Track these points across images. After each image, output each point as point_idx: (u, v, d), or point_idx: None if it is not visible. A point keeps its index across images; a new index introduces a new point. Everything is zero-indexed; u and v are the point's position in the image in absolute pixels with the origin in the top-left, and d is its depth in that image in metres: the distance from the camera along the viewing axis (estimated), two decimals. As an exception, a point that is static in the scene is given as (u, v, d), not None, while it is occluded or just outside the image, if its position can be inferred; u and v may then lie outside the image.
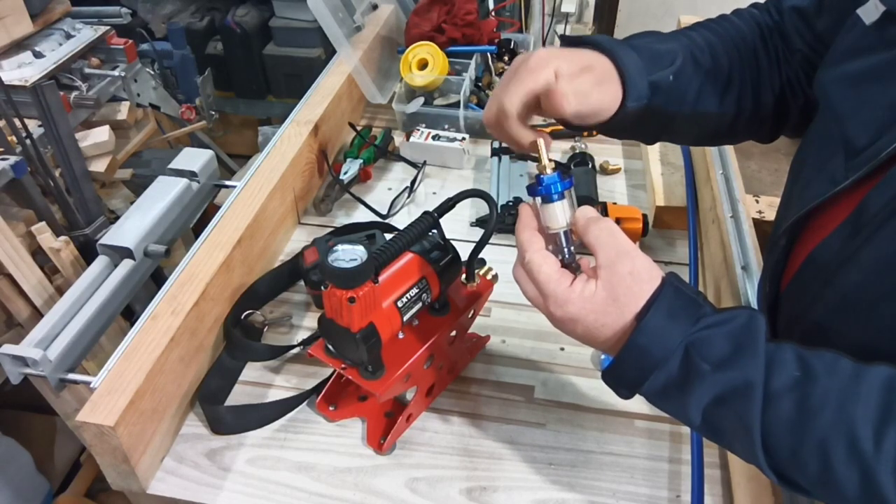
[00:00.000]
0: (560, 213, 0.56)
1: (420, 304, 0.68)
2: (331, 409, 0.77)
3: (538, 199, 0.57)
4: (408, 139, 1.16)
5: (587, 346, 0.83)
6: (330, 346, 0.68)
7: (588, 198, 1.01)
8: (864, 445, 0.43)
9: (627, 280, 0.51)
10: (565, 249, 0.57)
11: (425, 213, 0.67)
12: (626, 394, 0.53)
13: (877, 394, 0.44)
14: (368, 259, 0.60)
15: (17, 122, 1.09)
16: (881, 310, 0.49)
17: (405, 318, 0.67)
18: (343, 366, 0.67)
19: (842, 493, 0.44)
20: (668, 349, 0.49)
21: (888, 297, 0.49)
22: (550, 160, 0.57)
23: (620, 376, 0.52)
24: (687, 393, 0.49)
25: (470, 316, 0.76)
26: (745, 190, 0.94)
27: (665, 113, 0.64)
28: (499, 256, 0.90)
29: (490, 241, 0.69)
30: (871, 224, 0.49)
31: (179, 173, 1.03)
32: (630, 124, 0.62)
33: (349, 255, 0.60)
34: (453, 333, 0.75)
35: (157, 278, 1.02)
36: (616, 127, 0.62)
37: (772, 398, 0.46)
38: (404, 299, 0.66)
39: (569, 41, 0.64)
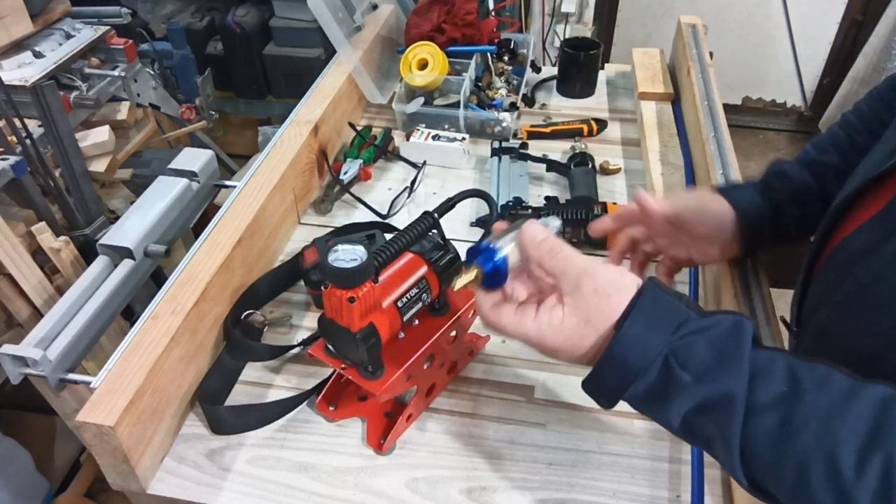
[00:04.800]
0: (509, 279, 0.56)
1: (420, 304, 0.68)
2: (331, 409, 0.77)
3: None
4: (408, 139, 1.16)
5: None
6: (330, 346, 0.68)
7: (588, 197, 1.01)
8: (845, 470, 0.41)
9: (594, 299, 0.50)
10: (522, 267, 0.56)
11: (425, 213, 0.67)
12: (606, 404, 0.52)
13: (867, 416, 0.42)
14: (368, 259, 0.60)
15: (17, 122, 1.08)
16: (894, 308, 0.49)
17: (405, 318, 0.67)
18: (343, 366, 0.67)
19: None
20: (647, 358, 0.47)
21: None
22: (471, 270, 0.56)
23: (600, 386, 0.51)
24: (667, 401, 0.48)
25: (470, 316, 0.76)
26: (745, 190, 0.94)
27: (797, 217, 0.72)
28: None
29: None
30: None
31: (179, 173, 1.03)
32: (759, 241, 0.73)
33: (349, 255, 0.60)
34: (453, 333, 0.75)
35: (157, 278, 1.02)
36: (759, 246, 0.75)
37: (754, 412, 0.45)
38: (404, 299, 0.66)
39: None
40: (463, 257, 0.71)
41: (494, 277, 0.55)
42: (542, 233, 0.54)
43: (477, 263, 0.55)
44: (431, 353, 0.71)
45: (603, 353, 0.49)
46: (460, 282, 0.55)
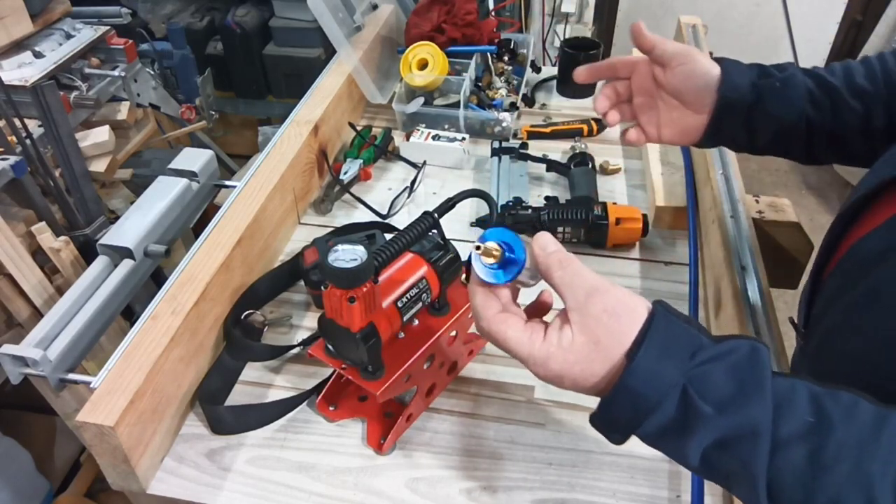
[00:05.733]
0: (525, 272, 0.52)
1: (420, 304, 0.68)
2: (331, 409, 0.77)
3: None
4: (408, 139, 1.16)
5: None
6: (330, 346, 0.68)
7: (588, 197, 1.01)
8: None
9: (604, 319, 0.47)
10: (530, 276, 0.53)
11: (425, 213, 0.67)
12: (618, 438, 0.48)
13: None
14: (368, 259, 0.60)
15: (17, 122, 1.08)
16: None
17: (405, 318, 0.67)
18: (343, 366, 0.67)
19: None
20: (663, 390, 0.44)
21: None
22: (489, 247, 0.52)
23: (611, 421, 0.47)
24: (686, 436, 0.44)
25: (470, 316, 0.76)
26: (745, 190, 0.94)
27: (775, 117, 0.68)
28: (499, 256, 0.90)
29: None
30: None
31: (179, 173, 1.03)
32: (736, 121, 0.69)
33: (349, 255, 0.60)
34: (453, 333, 0.75)
35: (157, 278, 1.02)
36: (724, 123, 0.69)
37: (781, 445, 0.42)
38: (404, 299, 0.66)
39: None
40: (463, 257, 0.72)
41: (511, 263, 0.51)
42: (554, 244, 0.51)
43: (503, 247, 0.51)
44: (431, 353, 0.71)
45: (615, 384, 0.45)
46: (481, 254, 0.51)
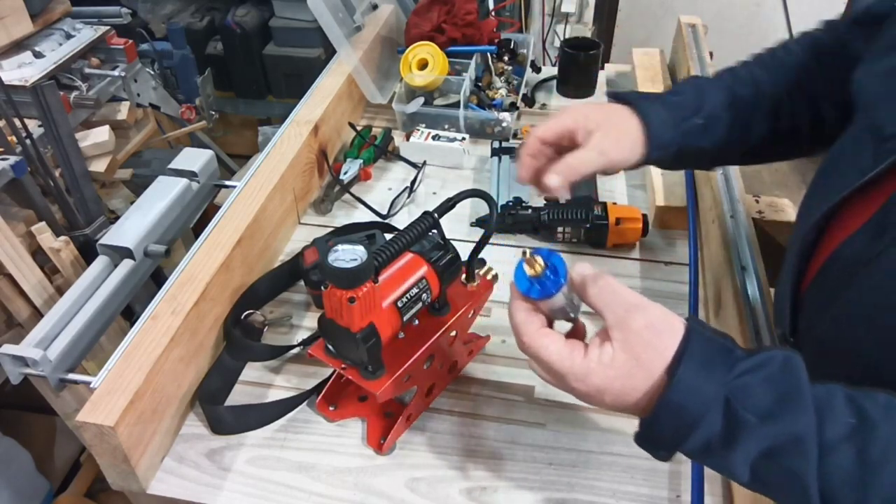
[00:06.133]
0: (561, 296, 0.52)
1: (420, 304, 0.68)
2: (331, 409, 0.77)
3: None
4: (408, 139, 1.16)
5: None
6: (330, 346, 0.68)
7: (588, 198, 1.01)
8: None
9: (645, 335, 0.47)
10: (569, 308, 0.53)
11: (425, 213, 0.67)
12: (664, 455, 0.49)
13: None
14: (368, 259, 0.60)
15: (17, 122, 1.08)
16: None
17: (405, 318, 0.67)
18: (343, 366, 0.67)
19: None
20: (706, 403, 0.44)
21: None
22: (535, 258, 0.52)
23: (657, 438, 0.48)
24: (732, 448, 0.45)
25: (470, 316, 0.76)
26: (745, 190, 0.94)
27: (704, 149, 0.70)
28: (499, 256, 0.90)
29: (490, 241, 0.70)
30: None
31: (179, 173, 1.03)
32: (672, 163, 0.71)
33: (349, 255, 0.60)
34: (453, 333, 0.75)
35: (157, 278, 1.02)
36: (659, 165, 0.72)
37: (827, 450, 0.42)
38: (404, 299, 0.66)
39: (609, 96, 0.72)
40: (463, 257, 0.72)
41: (540, 289, 0.51)
42: (590, 268, 0.51)
43: (547, 263, 0.51)
44: (431, 353, 0.71)
45: (657, 400, 0.46)
46: (529, 258, 0.51)
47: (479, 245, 0.70)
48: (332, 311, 0.63)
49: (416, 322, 0.70)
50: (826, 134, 0.69)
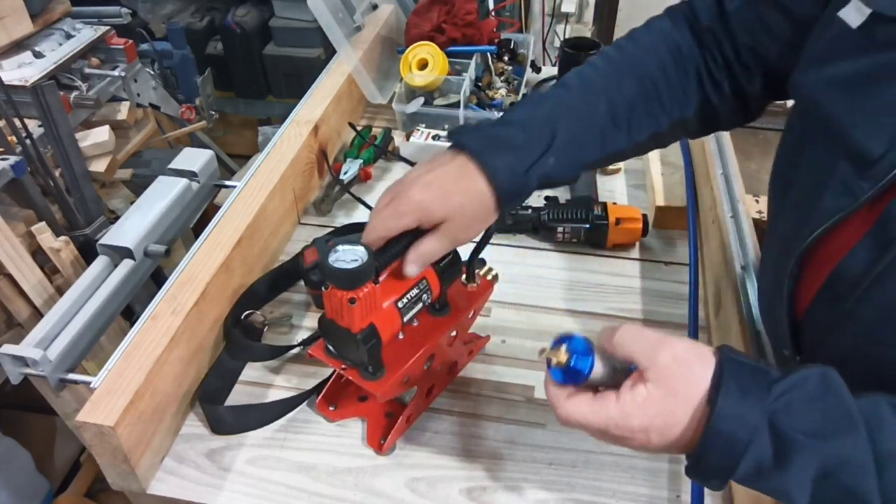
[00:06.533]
0: (598, 370, 0.52)
1: (420, 305, 0.68)
2: (331, 409, 0.77)
3: None
4: (408, 139, 1.16)
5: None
6: (330, 347, 0.68)
7: (588, 197, 1.01)
8: None
9: (674, 368, 0.47)
10: (613, 372, 0.53)
11: None
12: (718, 485, 0.48)
13: None
14: (369, 259, 0.59)
15: (17, 122, 1.08)
16: None
17: (405, 319, 0.67)
18: (343, 366, 0.67)
19: None
20: (753, 427, 0.44)
21: None
22: (557, 351, 0.52)
23: (708, 469, 0.47)
24: (786, 470, 0.44)
25: (470, 316, 0.76)
26: (745, 190, 0.94)
27: (564, 179, 0.66)
28: (499, 257, 0.90)
29: (490, 241, 0.69)
30: None
31: (179, 173, 1.03)
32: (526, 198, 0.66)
33: (350, 255, 0.60)
34: (453, 334, 0.75)
35: (157, 278, 1.02)
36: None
37: (886, 462, 0.42)
38: (405, 300, 0.66)
39: (450, 136, 0.65)
40: (464, 258, 0.72)
41: (575, 374, 0.51)
42: (610, 328, 0.52)
43: (568, 349, 0.51)
44: (432, 353, 0.71)
45: (703, 431, 0.45)
46: (551, 354, 0.52)
47: (480, 245, 0.70)
48: (332, 311, 0.63)
49: (416, 322, 0.70)
50: (712, 119, 0.68)
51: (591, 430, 0.50)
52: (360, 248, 0.60)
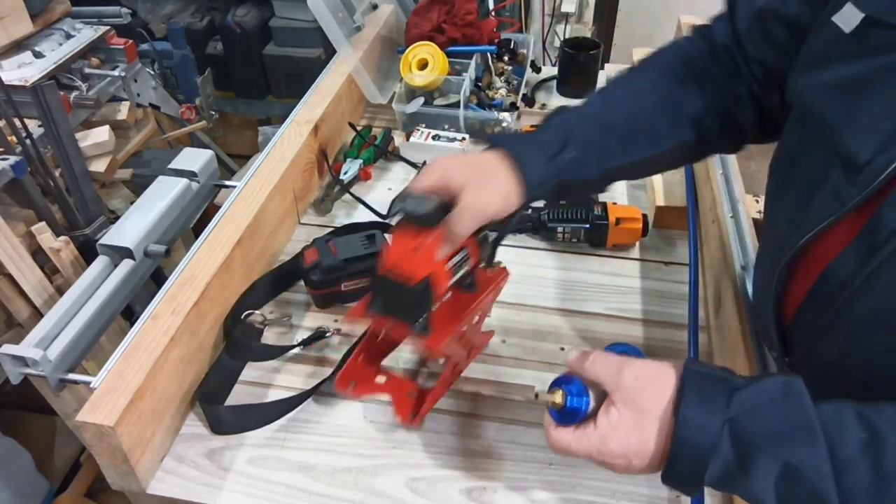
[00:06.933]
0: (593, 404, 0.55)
1: (462, 271, 0.67)
2: (351, 386, 0.76)
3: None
4: (408, 139, 1.16)
5: (588, 347, 0.83)
6: (376, 306, 0.67)
7: (588, 197, 1.01)
8: None
9: (638, 386, 0.50)
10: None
11: None
12: (693, 490, 0.51)
13: None
14: (439, 206, 0.61)
15: (17, 122, 1.08)
16: None
17: (450, 282, 0.66)
18: (394, 321, 0.66)
19: None
20: (713, 434, 0.46)
21: None
22: (553, 395, 0.55)
23: (679, 475, 0.49)
24: (750, 473, 0.46)
25: (490, 299, 0.75)
26: (745, 190, 0.94)
27: (590, 180, 0.67)
28: (499, 257, 0.89)
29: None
30: (890, 241, 0.47)
31: (179, 173, 1.03)
32: (558, 196, 0.68)
33: (420, 203, 0.61)
34: (476, 318, 0.74)
35: (157, 278, 1.02)
36: (545, 199, 0.68)
37: (844, 466, 0.43)
38: (451, 262, 0.65)
39: (477, 136, 0.70)
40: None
41: (572, 414, 0.54)
42: (575, 354, 0.56)
43: (564, 391, 0.54)
44: (479, 311, 0.70)
45: (671, 441, 0.48)
46: (547, 397, 0.55)
47: (501, 234, 0.70)
48: (394, 259, 0.62)
49: (450, 295, 0.69)
50: (738, 132, 0.70)
51: (580, 457, 0.53)
52: (432, 198, 0.62)
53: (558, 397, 0.54)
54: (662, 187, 1.03)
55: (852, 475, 0.43)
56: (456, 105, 1.21)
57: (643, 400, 0.50)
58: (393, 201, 0.94)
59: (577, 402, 0.53)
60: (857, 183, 0.50)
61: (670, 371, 0.50)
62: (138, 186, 1.49)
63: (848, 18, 0.53)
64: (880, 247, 0.48)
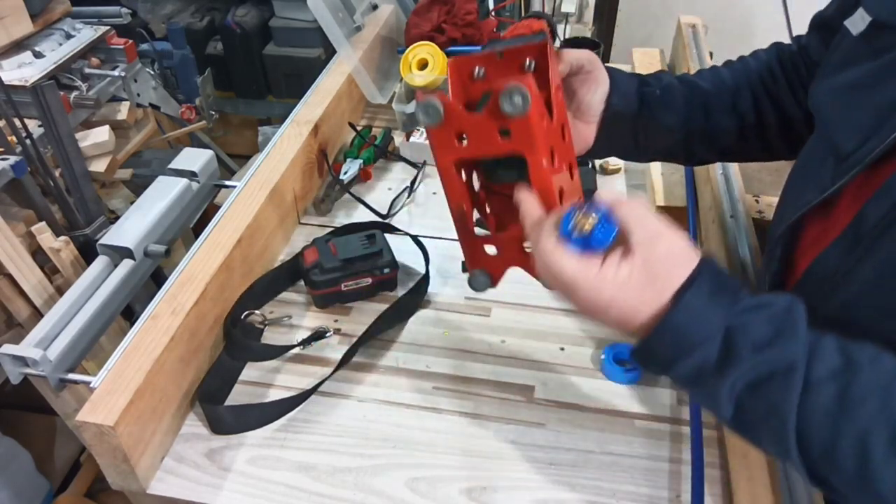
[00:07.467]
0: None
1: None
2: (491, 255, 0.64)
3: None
4: (408, 139, 1.16)
5: (588, 346, 0.83)
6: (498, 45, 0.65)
7: (588, 193, 1.01)
8: None
9: (665, 261, 0.48)
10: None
11: None
12: (656, 370, 0.51)
13: None
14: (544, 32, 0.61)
15: (17, 122, 1.08)
16: (882, 325, 0.48)
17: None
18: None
19: (879, 491, 0.42)
20: (708, 331, 0.46)
21: (890, 311, 0.48)
22: (591, 215, 0.50)
23: (652, 353, 0.49)
24: (722, 377, 0.46)
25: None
26: (745, 190, 0.94)
27: (662, 126, 0.70)
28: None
29: None
30: (870, 234, 0.48)
31: (179, 173, 1.03)
32: (623, 130, 0.71)
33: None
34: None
35: (157, 278, 1.02)
36: (613, 132, 0.70)
37: (812, 386, 0.44)
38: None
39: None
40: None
41: (587, 244, 0.49)
42: (622, 200, 0.52)
43: (600, 219, 0.49)
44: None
45: (661, 319, 0.47)
46: (580, 218, 0.49)
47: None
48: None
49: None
50: (796, 132, 0.71)
51: (560, 281, 0.50)
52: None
53: (589, 223, 0.49)
54: (662, 187, 1.03)
55: (817, 396, 0.44)
56: (456, 105, 1.21)
57: (662, 275, 0.48)
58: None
59: (604, 236, 0.49)
60: (839, 172, 0.52)
61: (693, 256, 0.49)
62: (138, 186, 1.48)
63: (858, 22, 0.55)
64: (860, 241, 0.49)
